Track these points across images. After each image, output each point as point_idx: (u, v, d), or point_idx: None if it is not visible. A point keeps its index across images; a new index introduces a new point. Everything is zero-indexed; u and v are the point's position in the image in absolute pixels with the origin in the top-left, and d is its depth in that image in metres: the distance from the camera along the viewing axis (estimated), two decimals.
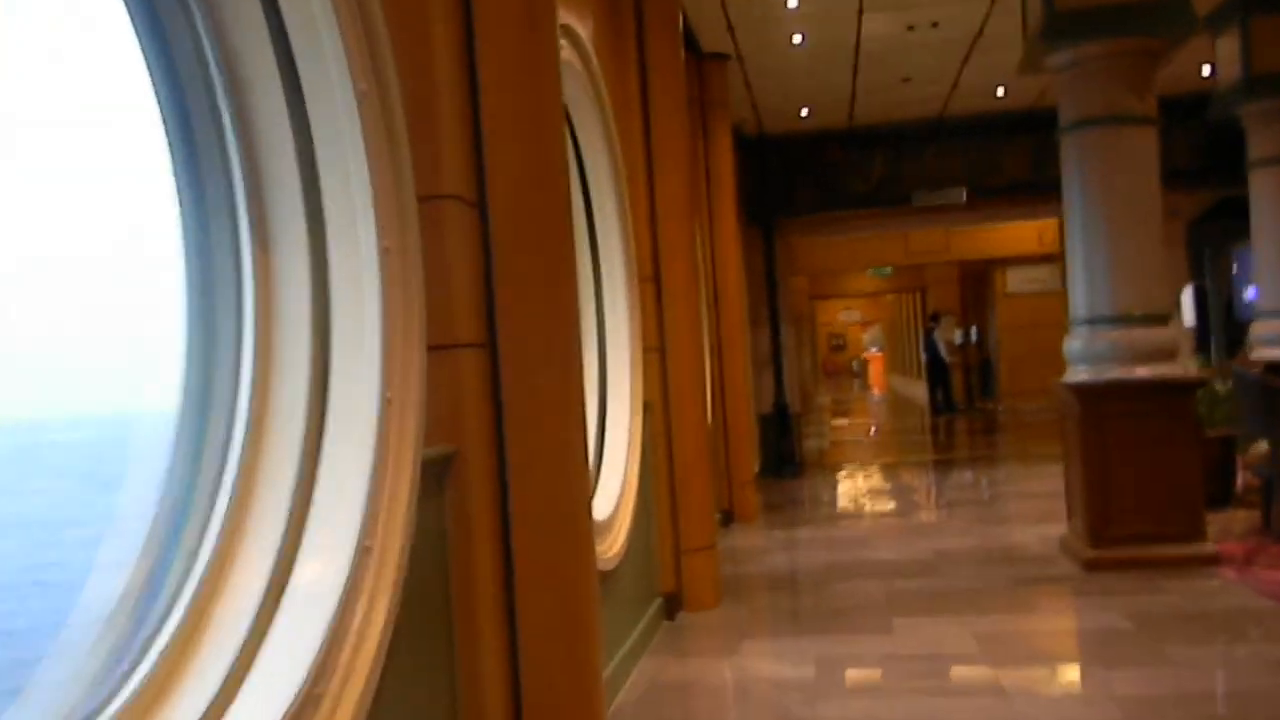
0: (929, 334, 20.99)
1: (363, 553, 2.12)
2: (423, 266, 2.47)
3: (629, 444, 5.28)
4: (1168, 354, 6.38)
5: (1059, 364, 17.28)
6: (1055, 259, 19.68)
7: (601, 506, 4.79)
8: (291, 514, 2.10)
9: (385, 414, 2.25)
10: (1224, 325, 12.22)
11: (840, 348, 49.17)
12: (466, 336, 2.75)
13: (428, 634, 2.47)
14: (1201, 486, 6.35)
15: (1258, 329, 8.66)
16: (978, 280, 23.72)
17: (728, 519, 8.95)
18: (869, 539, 7.98)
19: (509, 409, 2.89)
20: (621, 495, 5.01)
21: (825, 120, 11.90)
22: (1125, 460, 6.27)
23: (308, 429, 2.21)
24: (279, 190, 2.28)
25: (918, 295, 27.87)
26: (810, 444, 15.97)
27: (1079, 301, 6.59)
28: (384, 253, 2.29)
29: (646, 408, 5.66)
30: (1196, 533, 6.24)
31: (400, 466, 2.28)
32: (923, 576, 6.51)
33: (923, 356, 21.23)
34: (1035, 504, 9.13)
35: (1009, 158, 12.12)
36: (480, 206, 2.83)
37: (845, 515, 9.40)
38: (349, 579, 2.08)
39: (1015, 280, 20.35)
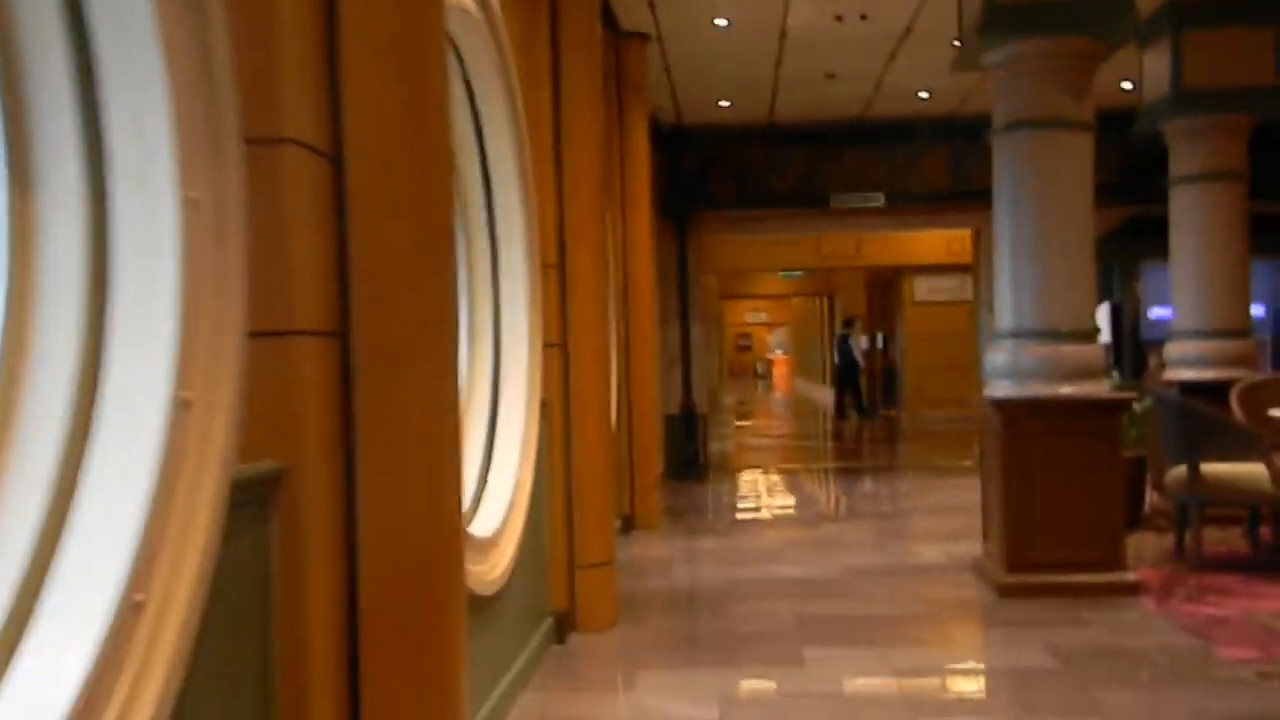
0: (844, 339, 20.91)
1: (129, 612, 1.52)
2: (247, 227, 1.89)
3: (522, 449, 4.73)
4: (1094, 372, 6.10)
5: (965, 374, 17.19)
6: (964, 269, 19.82)
7: (486, 521, 4.24)
8: (29, 568, 1.51)
9: (177, 419, 1.67)
10: (1132, 344, 12.21)
11: (746, 348, 49.35)
12: (308, 322, 2.19)
13: (233, 713, 1.90)
14: (1123, 511, 6.09)
15: (1172, 349, 8.52)
16: (885, 287, 23.74)
17: (628, 525, 8.46)
18: (776, 551, 7.57)
19: (364, 414, 2.33)
20: (511, 507, 4.46)
21: (746, 114, 11.50)
22: (1047, 481, 5.96)
23: (67, 438, 1.62)
24: (46, 114, 1.68)
25: (826, 300, 27.91)
26: (715, 446, 15.60)
27: (1004, 314, 6.27)
28: (187, 204, 1.71)
29: (544, 408, 5.12)
30: (1116, 560, 5.97)
31: (197, 489, 1.70)
32: (834, 598, 6.11)
33: (835, 360, 21.15)
34: (944, 519, 8.86)
35: (928, 164, 11.91)
36: (334, 157, 2.26)
37: (751, 524, 9.00)
38: (100, 653, 1.49)
39: (923, 289, 20.34)
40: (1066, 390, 6.04)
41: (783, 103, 10.93)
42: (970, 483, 11.65)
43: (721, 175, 12.12)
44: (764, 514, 9.59)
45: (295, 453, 2.12)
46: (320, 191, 2.25)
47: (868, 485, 11.76)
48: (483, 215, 4.84)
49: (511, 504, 4.47)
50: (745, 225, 12.76)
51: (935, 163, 11.88)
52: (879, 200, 11.71)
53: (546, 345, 5.17)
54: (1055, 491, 5.96)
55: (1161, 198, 11.74)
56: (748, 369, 47.71)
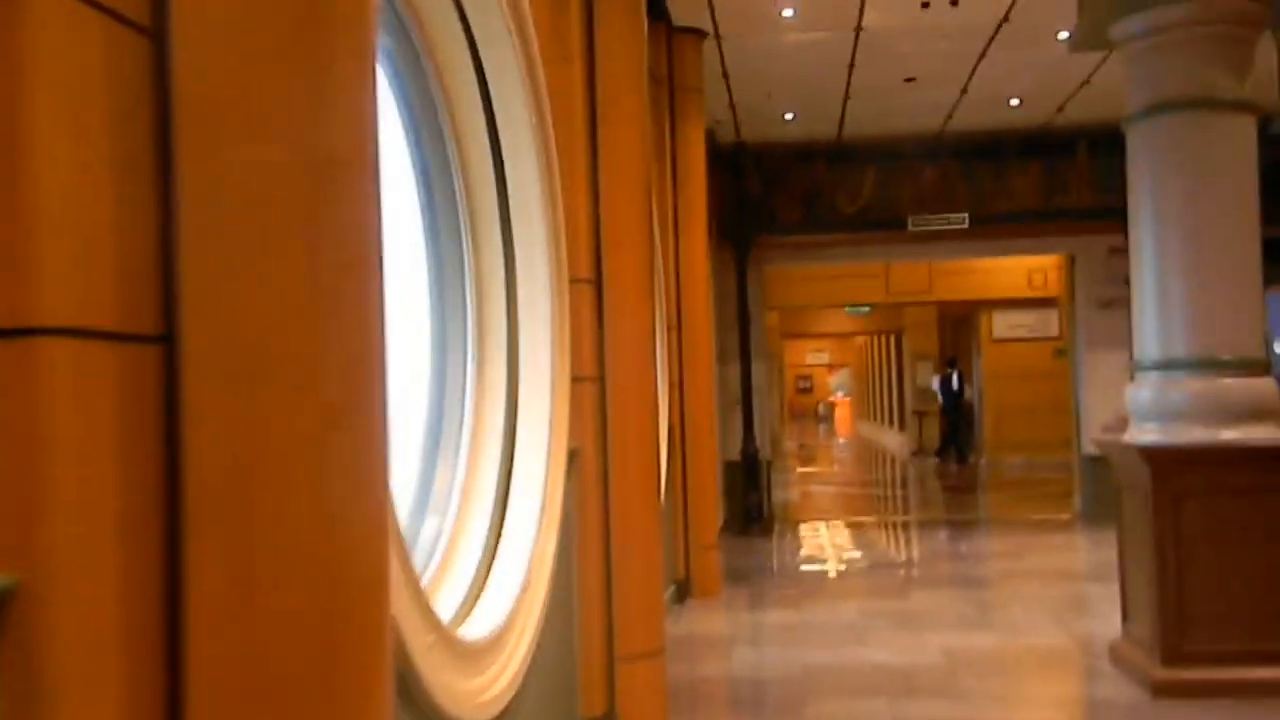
0: (947, 379, 19.69)
1: None
2: None
3: (542, 512, 3.65)
4: (1269, 411, 4.86)
5: (1048, 417, 15.76)
6: (1046, 304, 18.43)
7: (488, 616, 3.14)
8: None
9: None
10: None
11: (807, 390, 48.18)
12: (73, 313, 1.17)
13: None
14: None
15: None
16: (958, 324, 22.39)
17: (682, 592, 7.30)
18: (857, 628, 6.35)
19: (195, 468, 1.28)
20: (524, 592, 3.36)
21: (812, 129, 10.42)
22: (1211, 550, 4.72)
23: None
24: None
25: (893, 338, 26.55)
26: (778, 494, 14.37)
27: (1148, 339, 5.07)
28: None
29: (572, 458, 4.04)
30: None
31: None
32: (937, 696, 4.90)
33: (941, 401, 19.99)
34: (1054, 587, 7.57)
35: (1017, 182, 10.70)
36: (154, 37, 1.24)
37: (824, 589, 7.78)
38: None
39: (1002, 325, 18.97)
40: (1230, 435, 4.81)
41: (854, 114, 9.84)
42: (1072, 541, 10.35)
43: (786, 197, 11.03)
44: (837, 577, 8.35)
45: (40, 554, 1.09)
46: (123, 70, 1.22)
47: (953, 542, 10.45)
48: (494, 215, 3.81)
49: (526, 586, 3.37)
50: (811, 252, 11.63)
51: (1025, 181, 10.67)
52: (962, 221, 10.52)
53: (576, 379, 4.10)
54: (1223, 563, 4.71)
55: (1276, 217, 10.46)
56: (808, 411, 46.52)
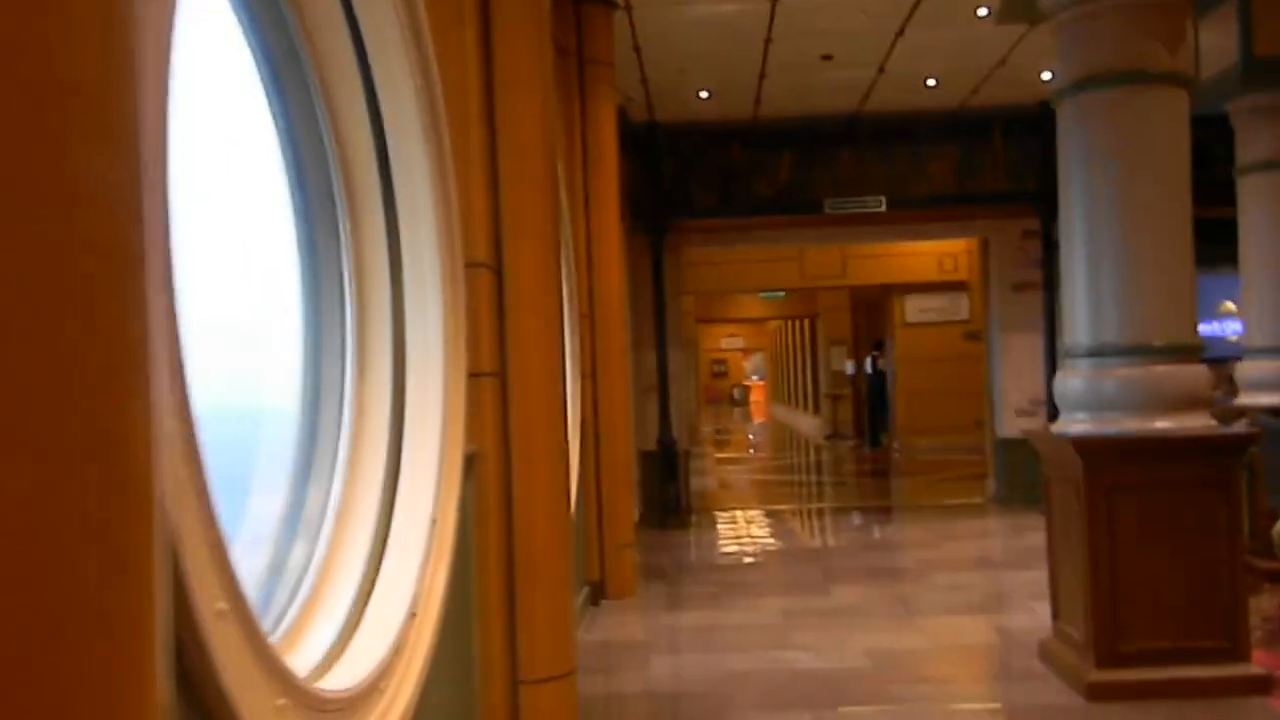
0: (874, 361, 19.65)
1: None
2: None
3: (434, 525, 3.24)
4: (1201, 400, 4.68)
5: (959, 401, 15.77)
6: (957, 287, 18.52)
7: (368, 652, 2.71)
8: None
9: None
10: None
11: (722, 374, 48.33)
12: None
13: None
14: (1244, 584, 4.65)
15: (1247, 369, 7.15)
16: (871, 308, 22.45)
17: (597, 595, 6.94)
18: (780, 629, 6.07)
19: None
20: (410, 622, 2.94)
21: (728, 109, 10.11)
22: (1146, 546, 4.53)
23: None
24: None
25: (807, 322, 26.57)
26: (697, 482, 14.12)
27: (1079, 325, 4.85)
28: None
29: (470, 463, 3.63)
30: (1238, 648, 4.53)
31: None
32: (868, 702, 4.63)
33: (866, 385, 19.90)
34: (978, 578, 7.42)
35: (934, 166, 10.54)
36: None
37: (745, 585, 7.49)
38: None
39: (914, 309, 19.01)
40: (1163, 424, 4.62)
41: (770, 93, 9.55)
42: (988, 526, 10.30)
43: (702, 179, 10.71)
44: (757, 570, 8.08)
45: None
46: None
47: (872, 531, 10.29)
48: (376, 194, 3.37)
49: (411, 616, 2.95)
50: (729, 236, 11.34)
51: (941, 164, 10.52)
52: (879, 205, 10.32)
53: (473, 375, 3.69)
54: (1157, 559, 4.52)
55: (1205, 197, 10.50)
56: (723, 396, 46.68)
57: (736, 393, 47.02)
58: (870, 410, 19.72)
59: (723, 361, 47.70)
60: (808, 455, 20.32)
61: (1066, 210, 4.93)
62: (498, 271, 3.98)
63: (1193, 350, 4.74)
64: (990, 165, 10.51)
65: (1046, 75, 9.35)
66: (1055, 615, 5.07)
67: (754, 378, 46.72)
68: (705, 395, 42.67)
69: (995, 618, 6.10)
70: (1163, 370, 4.65)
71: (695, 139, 10.57)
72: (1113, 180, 4.71)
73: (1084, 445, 4.60)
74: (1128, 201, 4.69)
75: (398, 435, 3.33)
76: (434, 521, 3.25)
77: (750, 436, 27.43)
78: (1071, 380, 4.85)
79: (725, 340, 45.84)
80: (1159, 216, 4.68)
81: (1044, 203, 10.31)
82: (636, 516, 10.00)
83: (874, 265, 18.28)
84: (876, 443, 19.21)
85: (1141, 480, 4.57)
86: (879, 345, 20.33)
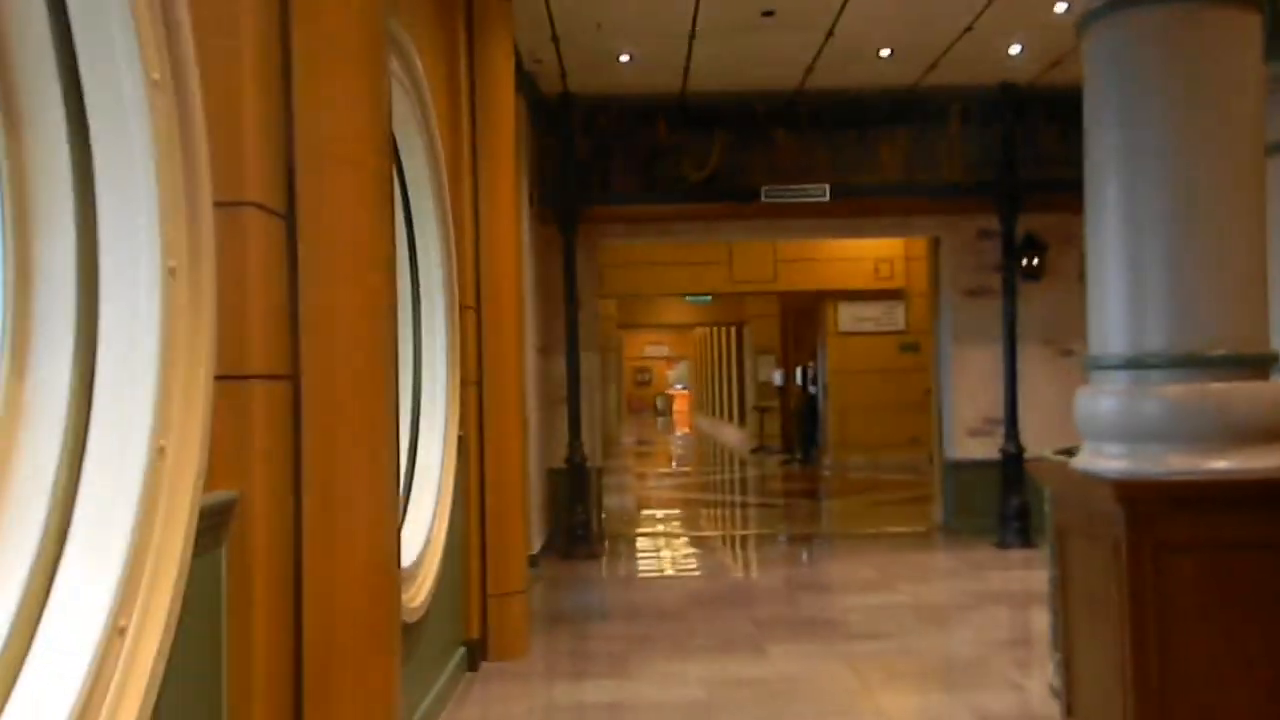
0: (806, 371, 18.45)
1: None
2: None
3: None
4: (1277, 430, 3.47)
5: (894, 416, 14.63)
6: (893, 295, 17.50)
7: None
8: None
9: None
10: None
11: (645, 383, 47.40)
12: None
13: None
14: None
15: None
16: (801, 316, 21.39)
17: (476, 656, 5.55)
18: (707, 712, 4.74)
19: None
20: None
21: (653, 79, 8.80)
22: (1208, 628, 3.30)
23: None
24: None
25: (733, 330, 25.43)
26: (613, 500, 12.78)
27: (1111, 327, 3.62)
28: None
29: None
30: None
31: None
32: None
33: (801, 396, 18.58)
34: (940, 635, 6.20)
35: (885, 151, 9.37)
36: None
37: (663, 643, 6.15)
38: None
39: (848, 317, 17.92)
40: (1225, 464, 3.40)
41: (702, 61, 8.26)
42: (940, 561, 9.04)
43: (622, 161, 9.38)
44: (679, 622, 6.74)
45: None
46: None
47: (809, 565, 9.04)
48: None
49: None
50: (651, 226, 10.02)
51: (892, 151, 9.35)
52: (822, 194, 9.10)
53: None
54: (1224, 646, 3.30)
55: None
56: (647, 405, 45.75)
57: (660, 402, 46.10)
58: (801, 424, 18.57)
59: (646, 370, 46.68)
60: (734, 471, 19.13)
61: (1095, 176, 3.69)
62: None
63: (1263, 363, 3.54)
64: (946, 154, 9.37)
65: (1015, 49, 8.25)
66: (1070, 711, 3.82)
67: (678, 387, 45.89)
68: (628, 404, 41.61)
69: (971, 695, 4.86)
70: (1228, 390, 3.43)
71: (615, 114, 9.25)
72: (1160, 133, 3.49)
73: (1128, 490, 3.35)
74: (1181, 162, 3.47)
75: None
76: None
77: (673, 449, 26.18)
78: (1102, 401, 3.61)
79: (649, 348, 44.76)
80: (1223, 182, 3.48)
81: (1005, 198, 9.20)
82: (538, 545, 8.63)
83: (807, 270, 17.20)
84: (809, 458, 18.07)
85: (1201, 538, 3.34)
86: (814, 355, 19.28)
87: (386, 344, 2.82)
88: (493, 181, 5.79)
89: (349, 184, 2.70)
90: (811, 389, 18.36)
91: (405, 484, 4.81)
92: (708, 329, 30.14)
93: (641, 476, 17.28)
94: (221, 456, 2.37)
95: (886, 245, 17.10)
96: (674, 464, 21.78)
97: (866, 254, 17.15)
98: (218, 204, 2.29)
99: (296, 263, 2.62)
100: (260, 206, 2.50)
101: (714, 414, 30.41)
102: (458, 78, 5.62)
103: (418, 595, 4.35)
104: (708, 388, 33.14)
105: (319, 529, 2.64)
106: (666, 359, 46.14)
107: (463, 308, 5.47)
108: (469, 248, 5.64)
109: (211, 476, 2.31)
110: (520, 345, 6.10)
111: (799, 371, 18.53)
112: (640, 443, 27.39)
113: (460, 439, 5.32)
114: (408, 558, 4.37)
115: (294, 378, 2.65)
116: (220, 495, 2.35)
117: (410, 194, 4.97)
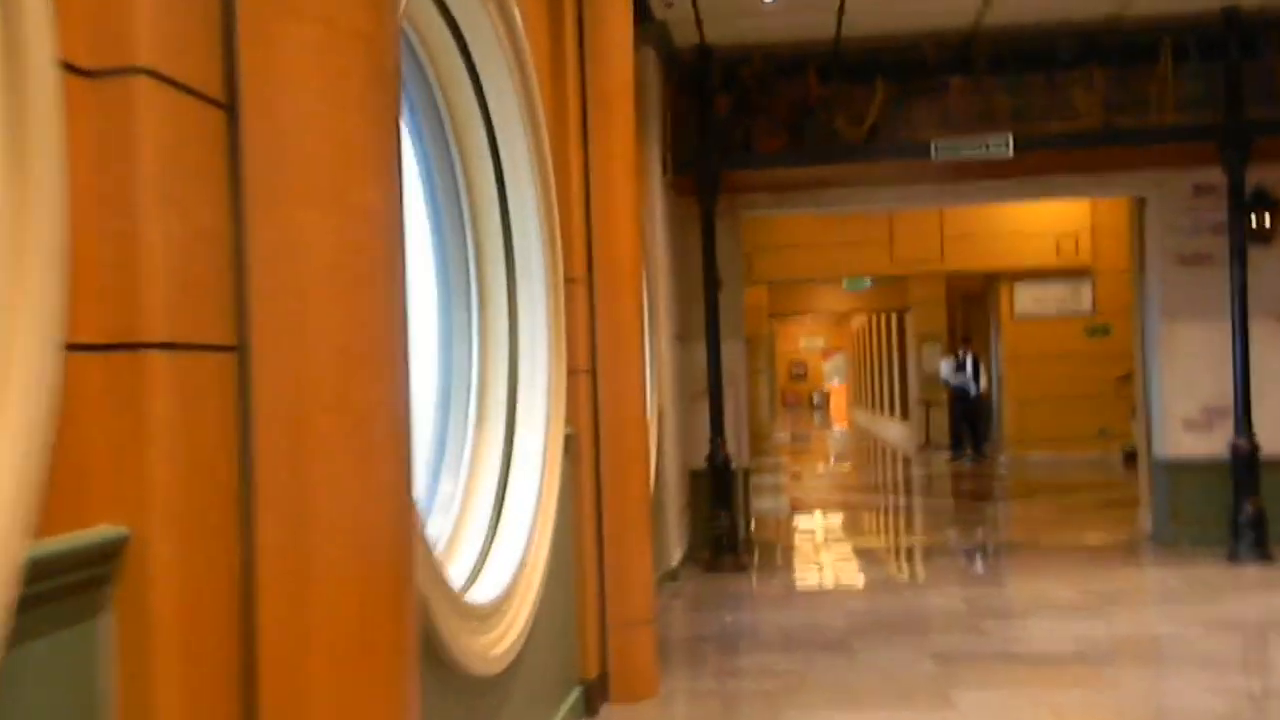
0: (960, 360, 16.93)
1: None
2: None
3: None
4: None
5: (1079, 406, 12.82)
6: (1078, 274, 15.72)
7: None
8: None
9: None
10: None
11: (801, 376, 46.15)
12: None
13: None
14: None
15: None
16: (970, 300, 19.70)
17: (596, 698, 4.59)
18: None
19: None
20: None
21: (801, 24, 7.69)
22: None
23: None
24: None
25: (895, 317, 23.82)
26: (764, 503, 11.70)
27: None
28: None
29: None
30: None
31: None
32: None
33: (952, 385, 16.98)
34: (1175, 678, 4.88)
35: (1078, 95, 7.94)
36: None
37: (823, 686, 5.05)
38: None
39: (1027, 300, 16.21)
40: None
41: (857, 1, 7.10)
42: (1162, 580, 7.31)
43: (766, 119, 8.26)
44: (842, 656, 5.60)
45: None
46: None
47: (995, 583, 7.70)
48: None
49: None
50: (801, 196, 8.86)
51: (1089, 95, 7.90)
52: (1004, 147, 7.75)
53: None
54: None
55: None
56: (802, 400, 44.42)
57: (816, 397, 44.74)
58: (964, 417, 16.93)
59: (802, 363, 45.30)
60: (897, 470, 17.71)
61: None
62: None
63: None
64: (1156, 96, 7.87)
65: None
66: None
67: (834, 380, 44.39)
68: (783, 399, 40.27)
69: None
70: None
71: (759, 66, 8.15)
72: None
73: None
74: None
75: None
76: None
77: (830, 445, 24.80)
78: None
79: (804, 341, 43.28)
80: None
81: (1231, 143, 7.64)
82: (678, 557, 7.66)
83: (978, 247, 15.62)
84: (980, 453, 16.47)
85: None
86: (966, 339, 17.64)
87: (387, 297, 1.87)
88: (605, 131, 4.80)
89: (315, 50, 1.75)
90: (971, 387, 16.63)
91: (498, 495, 3.90)
92: (867, 316, 28.55)
93: (796, 476, 16.10)
94: (95, 472, 1.46)
95: (1070, 218, 15.36)
96: (831, 460, 20.47)
97: (1047, 228, 15.43)
98: (78, 70, 1.39)
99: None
100: (162, 78, 1.58)
101: (873, 408, 28.79)
102: (561, 8, 4.67)
103: (505, 636, 3.42)
104: (866, 380, 31.50)
105: (282, 570, 1.71)
106: (822, 351, 44.76)
107: (568, 280, 4.52)
108: (576, 208, 4.69)
109: (78, 504, 1.41)
110: (639, 327, 5.10)
111: (964, 359, 16.89)
112: (795, 439, 26.12)
113: (568, 437, 4.37)
114: (491, 591, 3.44)
115: (239, 348, 1.72)
116: (91, 534, 1.44)
117: (499, 141, 4.05)
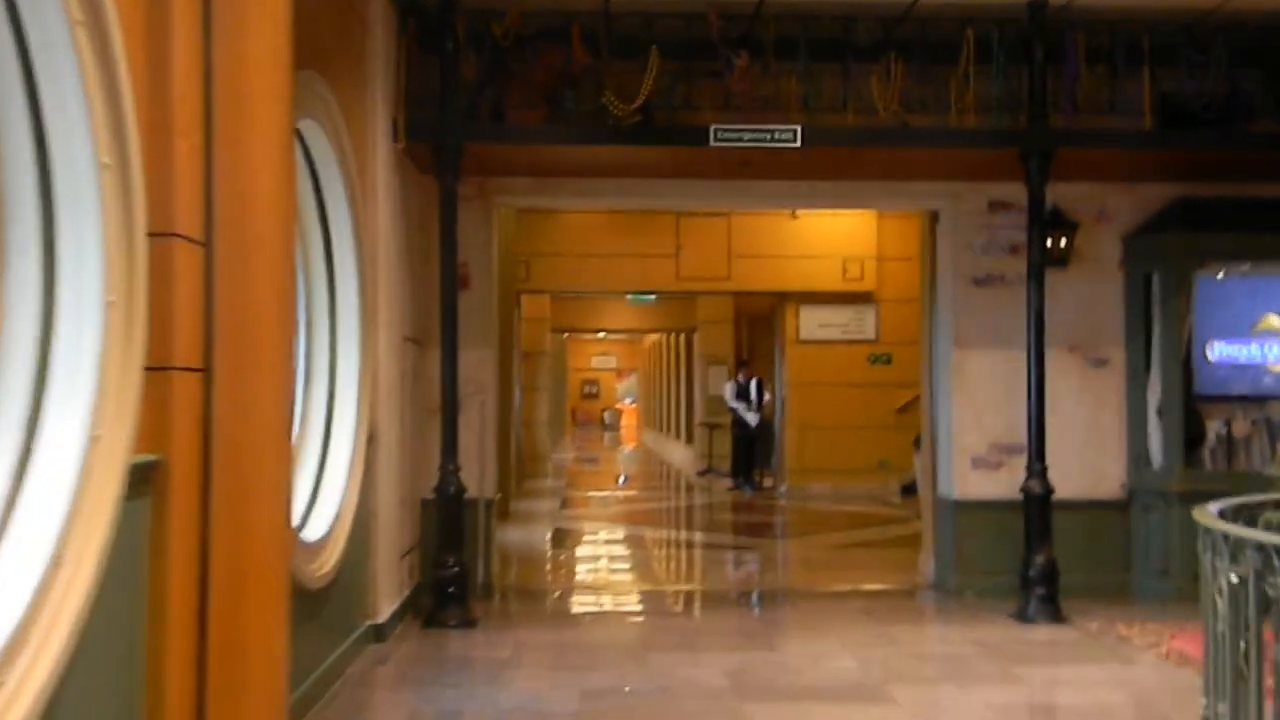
0: (740, 385, 16.01)
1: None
2: None
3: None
4: None
5: (859, 436, 11.93)
6: (862, 299, 15.25)
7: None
8: None
9: None
10: (1180, 402, 7.57)
11: (593, 395, 45.45)
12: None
13: None
14: None
15: None
16: (757, 322, 19.13)
17: None
18: None
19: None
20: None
21: None
22: None
23: None
24: None
25: (684, 337, 23.08)
26: (518, 536, 10.34)
27: None
28: None
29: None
30: None
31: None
32: None
33: (732, 409, 15.97)
34: None
35: (875, 87, 7.03)
36: None
37: None
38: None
39: (812, 324, 15.60)
40: None
41: None
42: (948, 643, 6.35)
43: (524, 89, 6.95)
44: None
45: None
46: None
47: (770, 649, 6.54)
48: None
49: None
50: (566, 185, 7.58)
51: (886, 88, 6.97)
52: (792, 138, 6.73)
53: None
54: None
55: (1227, 169, 7.35)
56: (595, 418, 43.67)
57: (607, 416, 44.10)
58: (738, 447, 16.16)
59: (594, 382, 44.55)
60: (677, 497, 16.76)
61: None
62: None
63: None
64: (957, 94, 7.07)
65: None
66: None
67: (627, 400, 43.95)
68: (574, 418, 39.19)
69: None
70: None
71: (515, 24, 6.81)
72: None
73: None
74: None
75: None
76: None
77: (618, 467, 23.75)
78: None
79: (596, 359, 42.48)
80: None
81: (1034, 152, 6.90)
82: (388, 612, 6.19)
83: (764, 268, 14.92)
84: (751, 484, 15.68)
85: None
86: (744, 362, 16.96)
87: None
88: (239, 17, 3.33)
89: None
90: (749, 415, 15.85)
91: None
92: (658, 337, 27.80)
93: (569, 503, 14.80)
94: None
95: (857, 241, 14.90)
96: (616, 484, 19.37)
97: (834, 250, 14.91)
98: None
99: None
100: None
101: (662, 429, 28.05)
102: None
103: None
104: (656, 401, 30.80)
105: None
106: (616, 371, 44.25)
107: (159, 233, 3.02)
108: (188, 129, 3.19)
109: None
110: (293, 310, 3.64)
111: (746, 384, 16.09)
112: (581, 460, 24.92)
113: (142, 466, 2.87)
114: None
115: None
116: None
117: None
